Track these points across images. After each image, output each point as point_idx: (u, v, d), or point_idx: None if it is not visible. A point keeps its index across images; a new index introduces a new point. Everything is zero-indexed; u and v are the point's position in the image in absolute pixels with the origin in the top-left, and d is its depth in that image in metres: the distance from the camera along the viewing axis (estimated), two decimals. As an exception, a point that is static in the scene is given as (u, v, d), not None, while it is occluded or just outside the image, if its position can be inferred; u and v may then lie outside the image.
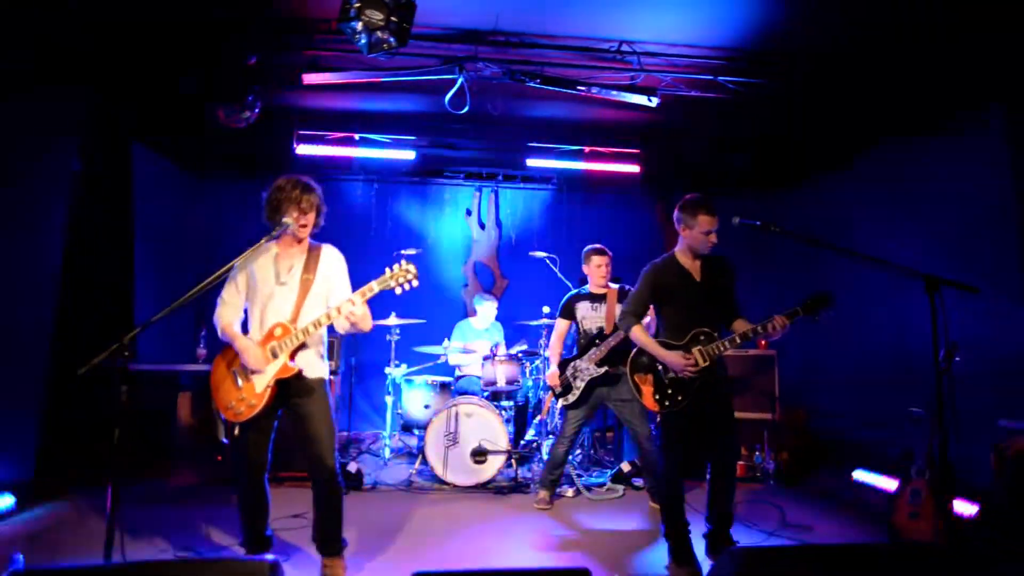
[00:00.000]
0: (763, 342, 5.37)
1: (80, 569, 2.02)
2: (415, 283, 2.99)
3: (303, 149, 6.11)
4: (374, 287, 2.98)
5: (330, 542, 3.15)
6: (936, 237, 4.78)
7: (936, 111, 4.67)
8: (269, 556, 1.94)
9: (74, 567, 2.11)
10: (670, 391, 3.35)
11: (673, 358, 3.30)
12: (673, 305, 3.43)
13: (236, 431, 3.03)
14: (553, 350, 4.74)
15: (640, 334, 3.45)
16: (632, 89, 4.54)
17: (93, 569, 2.06)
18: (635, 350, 3.56)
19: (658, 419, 3.39)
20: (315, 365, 3.13)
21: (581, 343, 4.62)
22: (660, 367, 3.39)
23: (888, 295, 5.10)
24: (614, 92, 4.53)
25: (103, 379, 2.45)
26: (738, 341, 3.28)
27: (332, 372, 5.12)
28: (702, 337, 3.31)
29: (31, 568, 2.80)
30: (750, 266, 5.24)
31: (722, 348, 3.28)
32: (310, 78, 4.42)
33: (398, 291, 3.00)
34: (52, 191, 4.57)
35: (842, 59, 4.24)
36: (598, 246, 4.67)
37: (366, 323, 3.04)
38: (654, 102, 4.56)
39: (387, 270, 2.99)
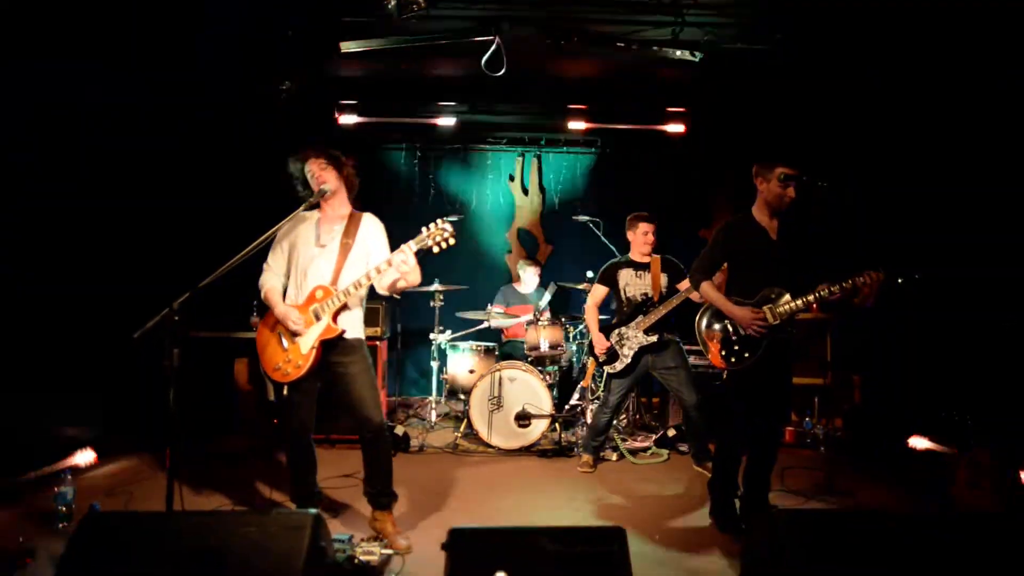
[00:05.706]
0: (815, 306, 5.15)
1: (144, 515, 2.24)
2: (452, 241, 2.99)
3: (345, 119, 6.15)
4: (412, 246, 2.99)
5: (380, 496, 3.25)
6: None
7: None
8: (313, 510, 2.03)
9: (138, 513, 2.32)
10: (736, 348, 3.26)
11: (741, 313, 3.20)
12: (745, 265, 3.31)
13: (285, 391, 3.14)
14: (590, 316, 4.69)
15: (709, 290, 3.34)
16: (675, 44, 4.36)
17: (155, 515, 2.27)
18: (703, 307, 3.47)
19: (724, 376, 3.31)
20: (355, 325, 3.20)
21: (624, 310, 4.56)
22: (728, 323, 3.30)
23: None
24: (655, 48, 4.36)
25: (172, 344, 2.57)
26: (811, 300, 3.10)
27: (379, 338, 5.23)
28: (772, 296, 3.19)
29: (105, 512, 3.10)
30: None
31: (793, 308, 3.14)
32: (347, 46, 4.42)
33: (435, 250, 3.00)
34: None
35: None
36: (645, 212, 4.53)
37: (415, 276, 3.08)
38: (698, 57, 4.37)
39: (424, 229, 3.00)
